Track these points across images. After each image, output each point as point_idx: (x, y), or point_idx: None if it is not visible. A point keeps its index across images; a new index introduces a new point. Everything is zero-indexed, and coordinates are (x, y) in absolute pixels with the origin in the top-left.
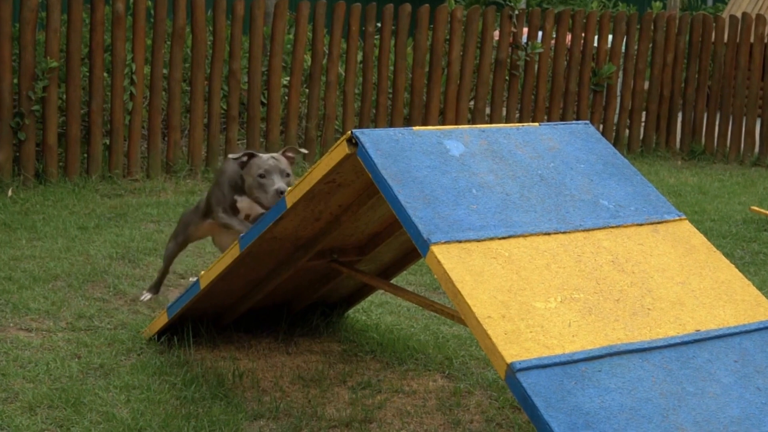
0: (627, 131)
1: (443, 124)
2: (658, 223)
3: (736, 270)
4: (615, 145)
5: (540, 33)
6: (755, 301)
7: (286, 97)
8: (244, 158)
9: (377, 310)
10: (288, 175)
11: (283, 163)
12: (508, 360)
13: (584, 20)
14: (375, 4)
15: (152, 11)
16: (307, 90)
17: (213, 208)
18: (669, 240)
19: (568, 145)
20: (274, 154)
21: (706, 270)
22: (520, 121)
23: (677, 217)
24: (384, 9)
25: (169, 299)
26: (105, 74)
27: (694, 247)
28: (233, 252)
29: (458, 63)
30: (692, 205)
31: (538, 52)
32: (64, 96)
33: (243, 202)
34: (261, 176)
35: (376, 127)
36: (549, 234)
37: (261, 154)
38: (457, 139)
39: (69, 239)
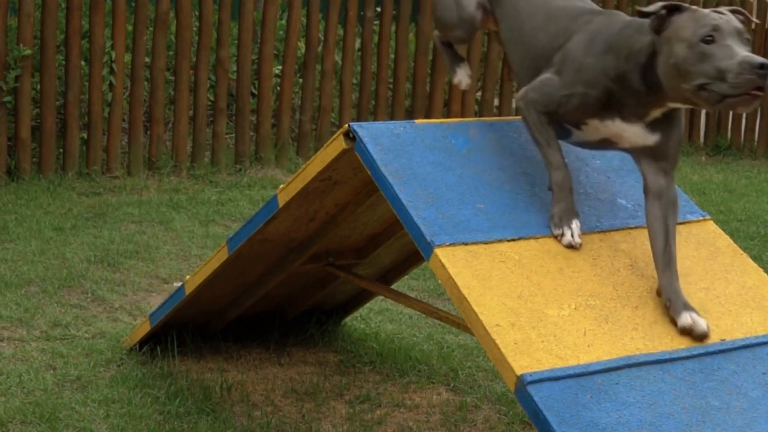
0: None
1: (448, 116)
2: (681, 223)
3: (765, 274)
4: None
5: None
6: None
7: (278, 88)
8: (662, 12)
9: (377, 318)
10: (749, 40)
11: (738, 22)
12: (518, 372)
13: (600, 5)
14: None
15: None
16: (300, 80)
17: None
18: (692, 242)
19: None
20: (718, 9)
21: (732, 274)
22: None
23: (701, 218)
24: None
25: (151, 305)
26: (82, 63)
27: (719, 249)
28: (221, 255)
29: (464, 51)
30: (717, 205)
31: None
32: (38, 86)
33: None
34: (707, 40)
35: (375, 119)
36: None
37: (693, 6)
38: (463, 134)
39: (43, 241)
